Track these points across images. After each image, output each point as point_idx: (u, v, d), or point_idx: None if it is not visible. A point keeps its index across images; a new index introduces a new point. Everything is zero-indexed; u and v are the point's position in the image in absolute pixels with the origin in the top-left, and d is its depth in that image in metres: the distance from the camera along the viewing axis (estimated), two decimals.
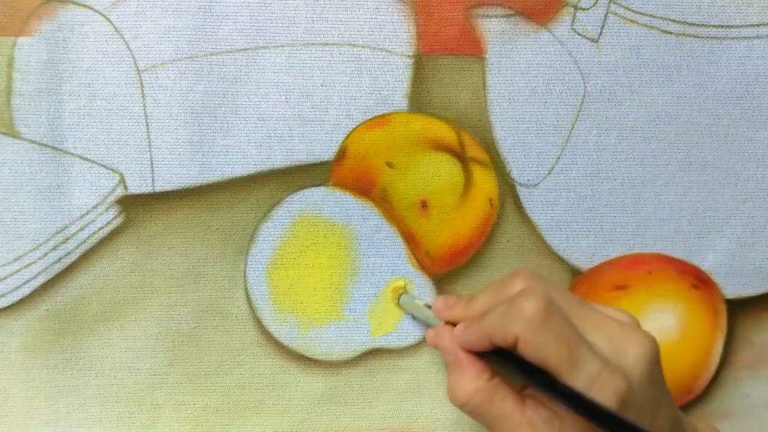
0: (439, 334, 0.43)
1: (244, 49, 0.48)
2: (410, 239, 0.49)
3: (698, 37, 0.50)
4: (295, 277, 0.49)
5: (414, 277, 0.49)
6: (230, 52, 0.48)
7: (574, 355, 0.36)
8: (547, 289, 0.39)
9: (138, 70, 0.48)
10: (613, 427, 0.35)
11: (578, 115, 0.50)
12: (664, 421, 0.38)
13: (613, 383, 0.36)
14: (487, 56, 0.50)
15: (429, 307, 0.46)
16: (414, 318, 0.49)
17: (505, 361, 0.39)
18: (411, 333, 0.49)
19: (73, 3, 0.47)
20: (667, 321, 0.49)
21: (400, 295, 0.49)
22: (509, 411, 0.38)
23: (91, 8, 0.47)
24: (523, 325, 0.37)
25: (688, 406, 0.51)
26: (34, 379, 0.47)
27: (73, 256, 0.47)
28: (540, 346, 0.37)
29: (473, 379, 0.39)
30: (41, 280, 0.47)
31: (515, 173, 0.50)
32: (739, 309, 0.51)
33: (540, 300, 0.37)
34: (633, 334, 0.38)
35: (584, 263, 0.50)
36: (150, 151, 0.48)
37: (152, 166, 0.48)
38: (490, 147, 0.50)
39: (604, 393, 0.36)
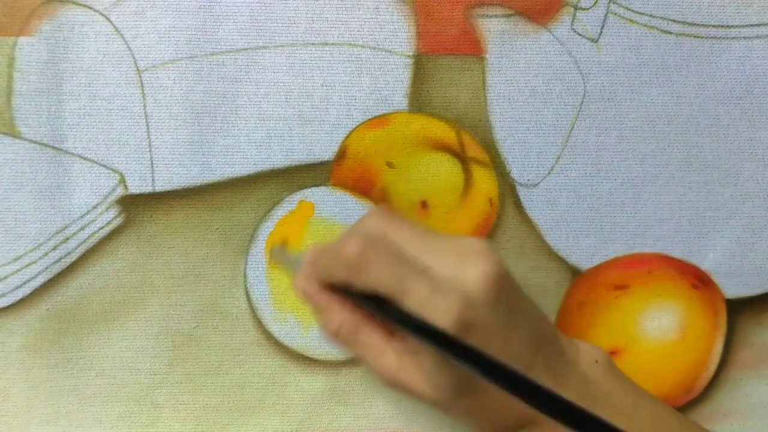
0: (295, 281, 0.42)
1: (244, 49, 0.48)
2: None
3: (698, 37, 0.50)
4: None
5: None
6: (230, 52, 0.48)
7: (401, 287, 0.37)
8: (377, 226, 0.39)
9: (138, 70, 0.48)
10: (447, 347, 0.35)
11: (578, 115, 0.50)
12: (520, 345, 0.38)
13: (444, 304, 0.36)
14: (487, 56, 0.50)
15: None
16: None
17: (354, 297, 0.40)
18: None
19: (74, 3, 0.47)
20: (667, 321, 0.49)
21: (274, 249, 0.48)
22: (375, 339, 0.39)
23: (91, 8, 0.47)
24: (345, 269, 0.38)
25: (688, 406, 0.51)
26: (34, 379, 0.47)
27: (74, 256, 0.47)
28: (367, 285, 0.37)
29: (338, 311, 0.40)
30: (41, 279, 0.47)
31: (515, 173, 0.50)
32: (739, 309, 0.51)
33: (358, 242, 0.38)
34: (473, 256, 0.38)
35: (584, 263, 0.50)
36: (150, 151, 0.48)
37: (152, 166, 0.48)
38: (490, 147, 0.50)
39: (436, 313, 0.36)
